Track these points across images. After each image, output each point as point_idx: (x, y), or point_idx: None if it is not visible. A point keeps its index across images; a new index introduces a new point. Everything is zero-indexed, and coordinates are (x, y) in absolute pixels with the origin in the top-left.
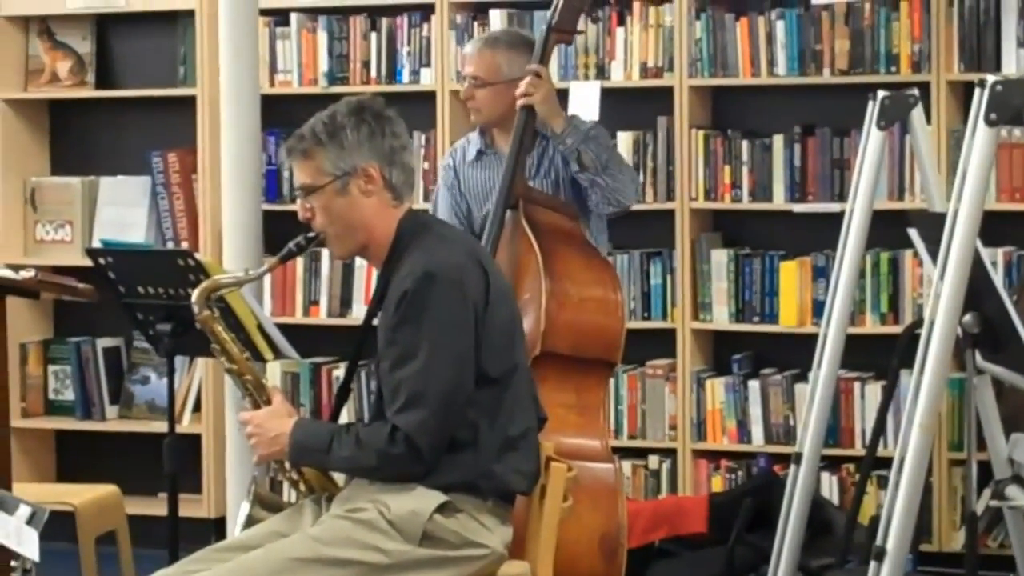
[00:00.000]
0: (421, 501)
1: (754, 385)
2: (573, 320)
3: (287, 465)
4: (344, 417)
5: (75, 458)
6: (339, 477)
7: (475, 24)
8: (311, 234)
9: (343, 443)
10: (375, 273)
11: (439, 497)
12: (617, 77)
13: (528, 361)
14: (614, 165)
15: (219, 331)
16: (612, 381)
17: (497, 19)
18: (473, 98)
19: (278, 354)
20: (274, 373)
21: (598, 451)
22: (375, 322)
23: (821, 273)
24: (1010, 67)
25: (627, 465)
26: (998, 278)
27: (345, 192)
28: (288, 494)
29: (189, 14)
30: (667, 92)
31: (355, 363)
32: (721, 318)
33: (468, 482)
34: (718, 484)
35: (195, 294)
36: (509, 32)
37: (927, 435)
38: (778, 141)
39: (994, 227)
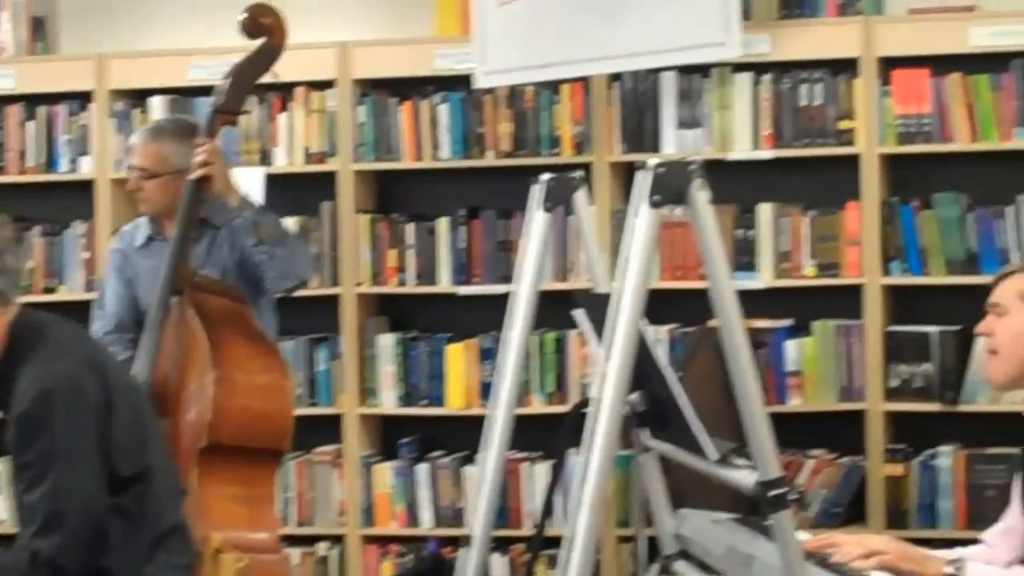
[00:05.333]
0: None
1: (422, 468)
2: (241, 409)
3: None
4: None
5: None
6: None
7: (135, 111)
8: None
9: None
10: None
11: None
12: (281, 163)
13: (189, 451)
14: (289, 238)
15: None
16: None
17: (157, 106)
18: (142, 189)
19: None
20: None
21: (266, 543)
22: None
23: (488, 355)
24: (670, 148)
25: (296, 553)
26: (663, 356)
27: None
28: None
29: None
30: (331, 177)
31: None
32: (388, 402)
33: None
34: (388, 569)
35: None
36: (175, 121)
37: (596, 513)
38: (443, 224)
39: (658, 305)
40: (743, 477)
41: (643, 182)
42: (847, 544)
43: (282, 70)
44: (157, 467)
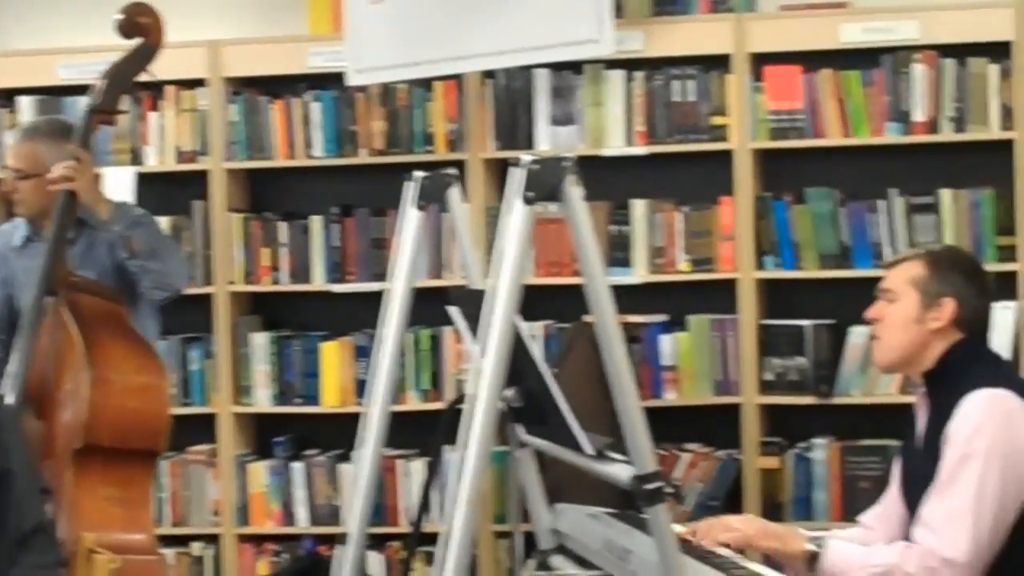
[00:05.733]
0: None
1: (297, 467)
2: (117, 409)
3: None
4: None
5: None
6: None
7: (3, 111)
8: None
9: None
10: None
11: None
12: (152, 162)
13: (67, 449)
14: (164, 250)
15: None
16: None
17: (26, 106)
18: (17, 191)
19: None
20: None
21: (142, 544)
22: None
23: (363, 352)
24: (543, 144)
25: (171, 553)
26: (538, 352)
27: None
28: None
29: None
30: (203, 176)
31: None
32: (263, 401)
33: None
34: (263, 568)
35: None
36: (50, 121)
37: (472, 509)
38: (316, 222)
39: (533, 301)
40: (619, 471)
41: (517, 179)
42: (704, 527)
43: (154, 69)
44: (17, 470)
